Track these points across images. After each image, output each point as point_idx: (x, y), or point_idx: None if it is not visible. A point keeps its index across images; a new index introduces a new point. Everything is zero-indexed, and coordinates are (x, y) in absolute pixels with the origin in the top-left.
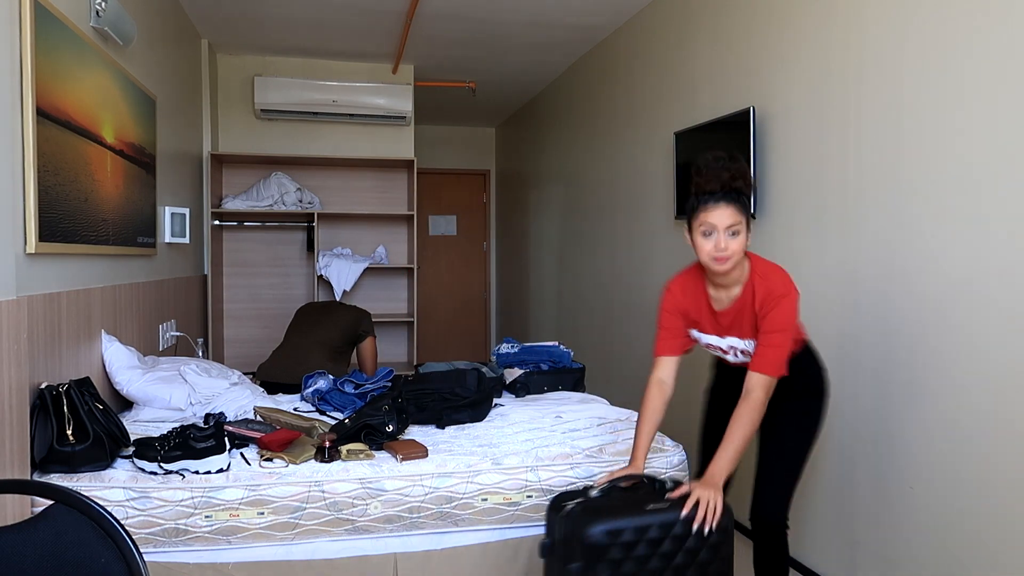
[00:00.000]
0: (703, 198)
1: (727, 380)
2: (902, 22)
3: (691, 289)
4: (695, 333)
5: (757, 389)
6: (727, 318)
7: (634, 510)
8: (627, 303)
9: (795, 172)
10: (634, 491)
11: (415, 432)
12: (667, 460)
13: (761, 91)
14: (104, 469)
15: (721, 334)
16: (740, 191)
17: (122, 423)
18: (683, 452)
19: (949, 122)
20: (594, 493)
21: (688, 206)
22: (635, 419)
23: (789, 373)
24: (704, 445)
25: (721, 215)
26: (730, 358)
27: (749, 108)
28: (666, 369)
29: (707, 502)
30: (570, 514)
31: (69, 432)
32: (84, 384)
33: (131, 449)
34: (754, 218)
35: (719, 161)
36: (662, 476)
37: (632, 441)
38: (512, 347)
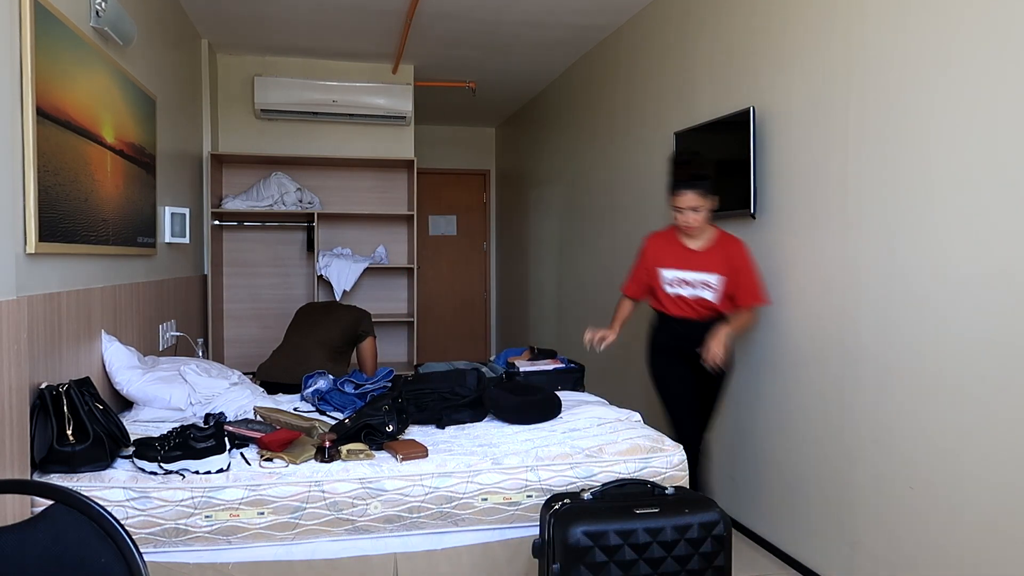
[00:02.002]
0: (676, 184)
1: (671, 346)
2: (901, 22)
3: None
4: (663, 271)
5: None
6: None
7: (621, 513)
8: None
9: (795, 172)
10: (629, 495)
11: (415, 432)
12: (667, 460)
13: (761, 91)
14: (104, 469)
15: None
16: (703, 178)
17: (122, 423)
18: (683, 452)
19: (948, 122)
20: (586, 496)
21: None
22: (635, 419)
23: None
24: (678, 406)
25: (687, 199)
26: (687, 292)
27: (749, 108)
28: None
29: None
30: (556, 514)
31: (69, 432)
32: (84, 384)
33: (131, 449)
34: (754, 218)
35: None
36: (661, 477)
37: (630, 441)
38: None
